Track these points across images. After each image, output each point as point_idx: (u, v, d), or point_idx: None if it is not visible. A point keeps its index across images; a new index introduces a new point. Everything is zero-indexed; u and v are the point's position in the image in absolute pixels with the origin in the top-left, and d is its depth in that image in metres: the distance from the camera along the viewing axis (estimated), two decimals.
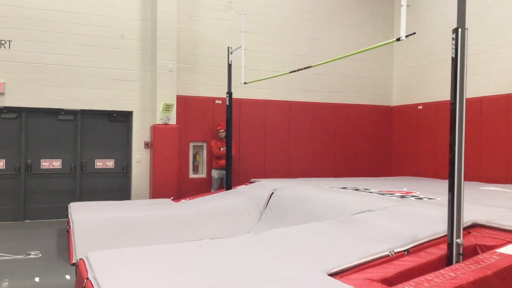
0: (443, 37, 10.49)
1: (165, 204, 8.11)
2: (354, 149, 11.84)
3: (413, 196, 6.74)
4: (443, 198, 5.99)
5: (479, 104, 9.70)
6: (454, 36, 3.99)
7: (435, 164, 10.71)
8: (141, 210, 7.25)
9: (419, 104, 11.40)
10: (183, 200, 8.61)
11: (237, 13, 10.36)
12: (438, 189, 7.57)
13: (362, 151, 11.91)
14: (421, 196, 6.66)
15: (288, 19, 11.20)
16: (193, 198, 8.69)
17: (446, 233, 4.13)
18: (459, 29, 3.98)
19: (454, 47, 3.99)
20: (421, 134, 11.30)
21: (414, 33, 4.72)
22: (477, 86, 9.74)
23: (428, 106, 11.13)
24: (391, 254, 4.14)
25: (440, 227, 4.50)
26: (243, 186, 9.21)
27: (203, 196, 8.86)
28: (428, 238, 4.41)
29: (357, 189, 7.60)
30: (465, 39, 3.98)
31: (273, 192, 7.63)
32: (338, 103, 11.68)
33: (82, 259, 4.18)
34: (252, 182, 9.40)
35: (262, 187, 8.25)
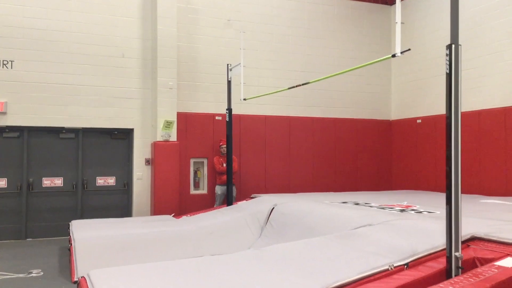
0: (441, 51, 10.58)
1: (166, 221, 8.13)
2: (354, 163, 11.88)
3: (413, 209, 6.76)
4: (443, 211, 5.99)
5: (478, 117, 9.76)
6: (448, 52, 4.07)
7: (435, 177, 10.73)
8: (142, 227, 7.28)
9: (418, 118, 11.47)
10: (184, 217, 8.63)
11: (236, 30, 10.50)
12: (438, 202, 7.57)
13: (362, 165, 11.95)
14: (421, 210, 6.68)
15: (286, 35, 11.33)
16: (194, 214, 8.71)
17: (445, 246, 4.15)
18: (453, 45, 4.05)
19: (448, 63, 4.06)
20: (420, 148, 11.34)
21: (409, 49, 4.82)
22: (475, 100, 9.81)
23: (427, 119, 11.20)
24: (391, 269, 4.15)
25: (439, 241, 4.52)
26: (244, 201, 9.22)
27: (204, 212, 8.88)
28: (427, 252, 4.43)
29: (357, 203, 7.62)
30: (458, 55, 4.05)
31: (273, 208, 7.64)
32: (337, 117, 11.76)
33: (83, 277, 4.20)
34: (253, 198, 9.42)
35: (263, 202, 8.27)
